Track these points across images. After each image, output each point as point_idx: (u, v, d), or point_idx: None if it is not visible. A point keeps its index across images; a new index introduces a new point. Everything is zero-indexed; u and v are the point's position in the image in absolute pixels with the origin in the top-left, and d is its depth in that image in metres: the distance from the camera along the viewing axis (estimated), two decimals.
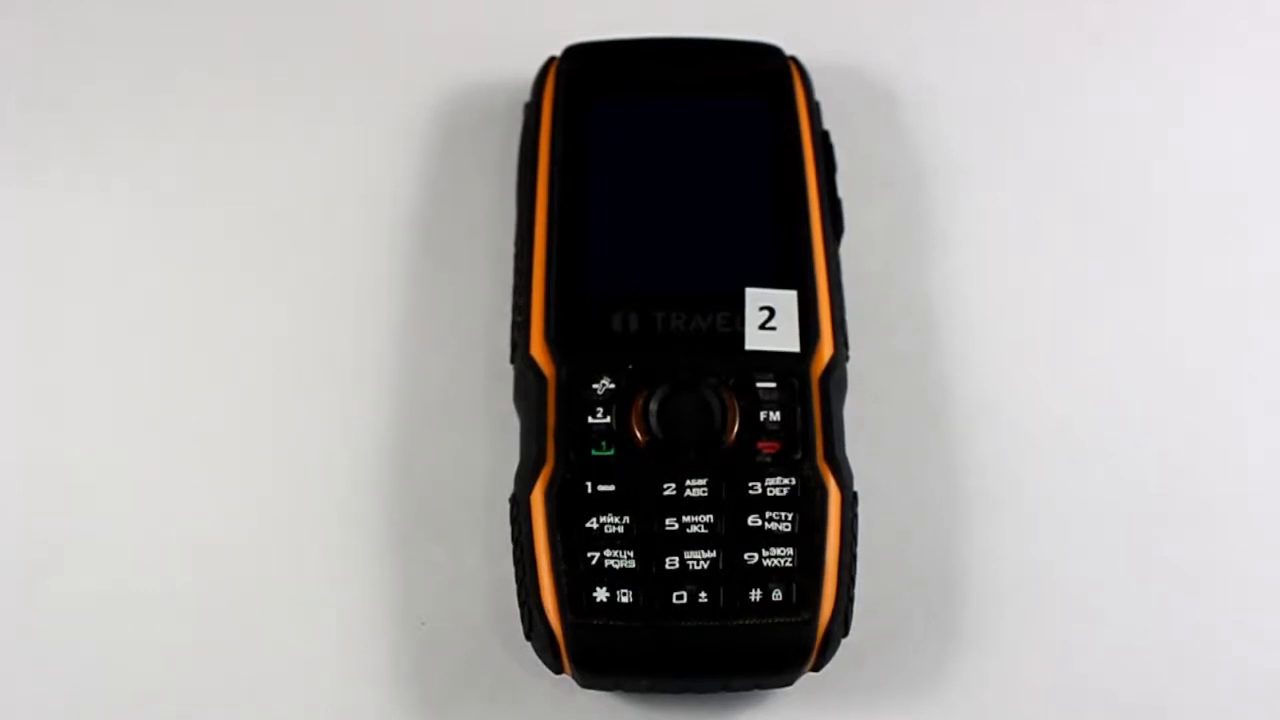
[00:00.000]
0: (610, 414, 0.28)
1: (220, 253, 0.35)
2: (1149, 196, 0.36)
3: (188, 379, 0.33)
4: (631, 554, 0.27)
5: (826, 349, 0.29)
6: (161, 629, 0.30)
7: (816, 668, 0.27)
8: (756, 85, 0.33)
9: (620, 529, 0.27)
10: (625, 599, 0.26)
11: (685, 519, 0.27)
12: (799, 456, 0.28)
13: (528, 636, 0.28)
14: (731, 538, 0.27)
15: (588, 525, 0.27)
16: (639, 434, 0.27)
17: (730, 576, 0.26)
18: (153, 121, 0.36)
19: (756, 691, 0.29)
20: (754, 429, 0.28)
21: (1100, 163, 0.36)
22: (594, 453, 0.27)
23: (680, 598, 0.26)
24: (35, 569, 0.30)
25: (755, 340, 0.29)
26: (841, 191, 0.32)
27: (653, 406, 0.27)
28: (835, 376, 0.29)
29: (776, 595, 0.26)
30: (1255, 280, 0.34)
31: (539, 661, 0.28)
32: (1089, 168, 0.36)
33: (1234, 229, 0.35)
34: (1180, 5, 0.39)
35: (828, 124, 0.33)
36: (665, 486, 0.27)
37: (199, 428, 0.32)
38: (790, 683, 0.28)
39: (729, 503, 0.27)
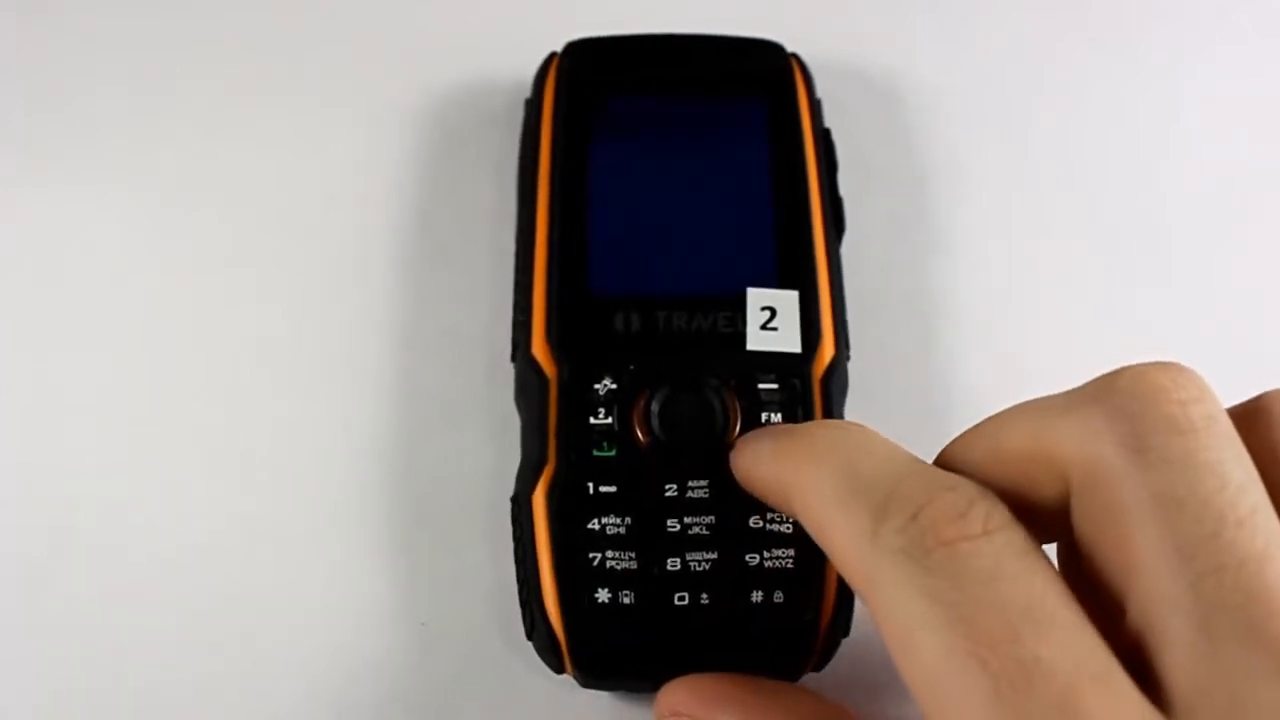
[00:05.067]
0: (612, 414, 0.28)
1: (220, 253, 0.34)
2: (1151, 196, 0.36)
3: (187, 378, 0.33)
4: (633, 555, 0.27)
5: (828, 349, 0.29)
6: (160, 629, 0.30)
7: (818, 668, 0.27)
8: (758, 83, 0.33)
9: (622, 530, 0.27)
10: (627, 599, 0.26)
11: (687, 520, 0.27)
12: None
13: (529, 637, 0.28)
14: (733, 539, 0.27)
15: (589, 526, 0.27)
16: (640, 434, 0.27)
17: (731, 577, 0.26)
18: (152, 121, 0.36)
19: None
20: (755, 429, 0.27)
21: (1102, 162, 0.36)
22: (595, 453, 0.27)
23: (682, 599, 0.26)
24: (35, 569, 0.30)
25: (757, 341, 0.29)
26: (843, 190, 0.32)
27: (654, 407, 0.27)
28: (836, 377, 0.29)
29: (778, 596, 0.26)
30: (1258, 280, 0.34)
31: (540, 661, 0.28)
32: (1091, 167, 0.36)
33: (1236, 228, 0.35)
34: (1181, 5, 0.39)
35: (829, 122, 0.33)
36: (667, 487, 0.27)
37: (198, 427, 0.32)
38: (792, 683, 0.27)
39: (730, 504, 0.27)
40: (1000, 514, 0.20)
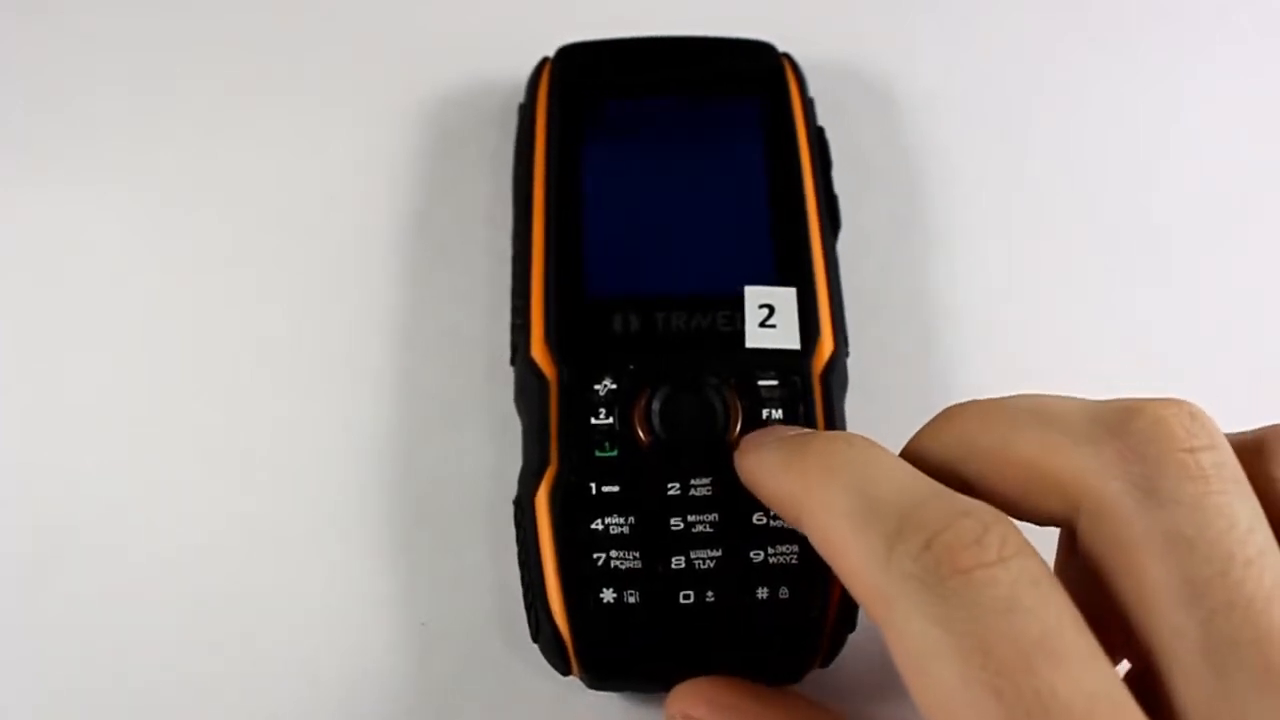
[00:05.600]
0: (613, 415, 0.28)
1: (219, 253, 0.34)
2: (1151, 196, 0.36)
3: (187, 379, 0.33)
4: (637, 554, 0.27)
5: (826, 346, 0.29)
6: (160, 629, 0.30)
7: (824, 664, 0.27)
8: (750, 82, 0.33)
9: (625, 530, 0.27)
10: (632, 599, 0.26)
11: (690, 518, 0.27)
12: None
13: (535, 639, 0.28)
14: (737, 536, 0.27)
15: (593, 527, 0.27)
16: (642, 434, 0.27)
17: (736, 575, 0.26)
18: (152, 121, 0.36)
19: None
20: (757, 427, 0.27)
21: (1102, 162, 0.36)
22: (597, 454, 0.27)
23: (687, 597, 0.26)
24: (35, 569, 0.30)
25: (756, 338, 0.29)
26: (843, 190, 0.32)
27: (655, 406, 0.27)
28: (836, 373, 0.29)
29: (783, 592, 0.26)
30: (1258, 280, 0.34)
31: (542, 662, 0.28)
32: (1091, 167, 0.36)
33: (1236, 228, 0.35)
34: (1181, 5, 0.39)
35: (824, 121, 0.33)
36: (670, 486, 0.27)
37: (198, 427, 0.32)
38: (798, 679, 0.27)
39: (733, 501, 0.27)
40: (1015, 539, 0.20)
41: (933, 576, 0.20)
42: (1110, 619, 0.21)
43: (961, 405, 0.24)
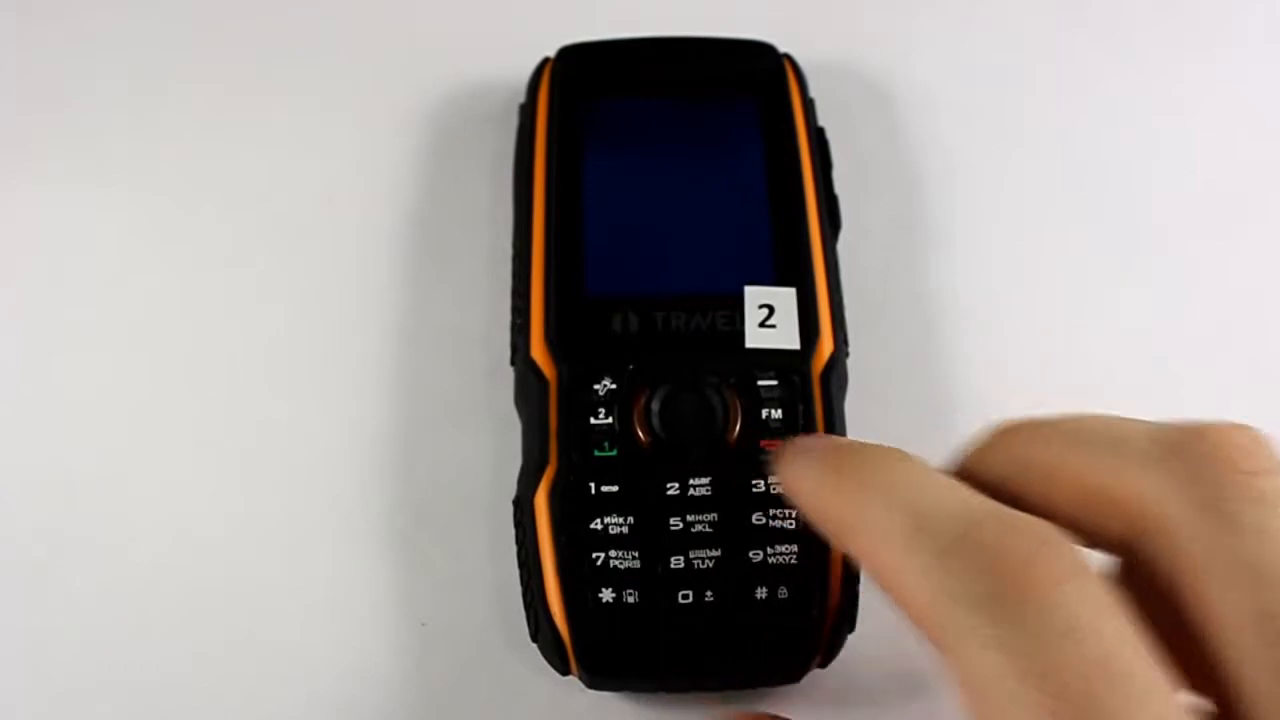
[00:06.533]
0: (612, 415, 0.28)
1: (220, 253, 0.34)
2: (1151, 196, 0.36)
3: (187, 379, 0.33)
4: (636, 554, 0.27)
5: (826, 346, 0.29)
6: (160, 630, 0.30)
7: (823, 664, 0.27)
8: (751, 83, 0.33)
9: (625, 529, 0.27)
10: (631, 599, 0.26)
11: (689, 518, 0.27)
12: None
13: (534, 638, 0.28)
14: (736, 536, 0.27)
15: (592, 526, 0.27)
16: (641, 434, 0.27)
17: (735, 574, 0.26)
18: (152, 121, 0.36)
19: (764, 689, 0.29)
20: (756, 427, 0.28)
21: (1101, 161, 0.36)
22: (597, 453, 0.27)
23: (686, 597, 0.26)
24: (34, 568, 0.30)
25: (755, 338, 0.29)
26: (842, 190, 0.32)
27: (654, 406, 0.27)
28: (836, 373, 0.29)
29: (782, 592, 0.26)
30: (1258, 280, 0.34)
31: (542, 661, 0.28)
32: (1090, 166, 0.36)
33: (1236, 228, 0.35)
34: (1181, 5, 0.39)
35: (824, 121, 0.33)
36: (669, 486, 0.27)
37: (199, 428, 0.32)
38: (798, 679, 0.27)
39: (732, 501, 0.27)
40: (1072, 558, 0.20)
41: (990, 598, 0.19)
42: (1170, 646, 0.20)
43: (1015, 423, 0.24)
